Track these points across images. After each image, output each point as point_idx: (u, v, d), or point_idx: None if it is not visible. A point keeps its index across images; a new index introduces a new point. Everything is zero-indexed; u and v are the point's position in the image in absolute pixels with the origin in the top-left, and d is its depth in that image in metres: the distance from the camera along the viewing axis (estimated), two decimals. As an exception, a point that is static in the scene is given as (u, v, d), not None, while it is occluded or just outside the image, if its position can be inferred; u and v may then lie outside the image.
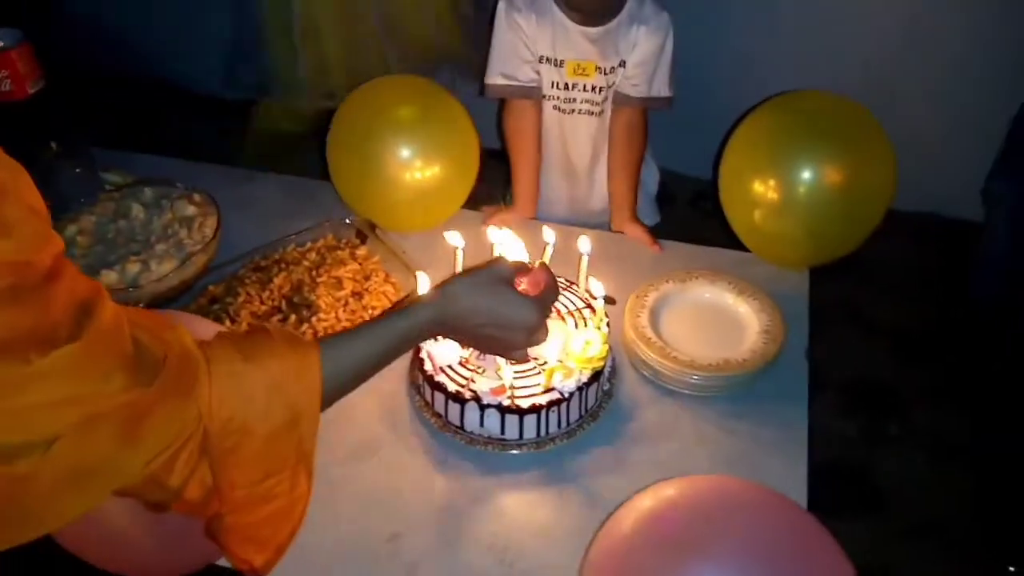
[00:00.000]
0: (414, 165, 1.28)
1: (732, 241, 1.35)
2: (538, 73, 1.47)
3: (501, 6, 1.44)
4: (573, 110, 1.50)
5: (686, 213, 2.53)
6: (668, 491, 0.83)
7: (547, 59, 1.45)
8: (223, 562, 0.85)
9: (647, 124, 1.51)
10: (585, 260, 1.16)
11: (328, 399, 0.74)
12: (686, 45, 1.85)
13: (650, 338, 1.13)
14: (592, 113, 1.50)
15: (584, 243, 1.16)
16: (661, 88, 1.47)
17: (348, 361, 0.77)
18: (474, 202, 1.43)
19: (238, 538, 0.72)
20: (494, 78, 1.46)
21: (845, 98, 1.23)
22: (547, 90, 1.49)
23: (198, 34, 2.77)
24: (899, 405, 2.01)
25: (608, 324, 1.09)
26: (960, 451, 1.91)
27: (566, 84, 1.47)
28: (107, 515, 0.80)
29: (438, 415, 1.04)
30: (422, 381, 1.05)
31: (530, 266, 1.06)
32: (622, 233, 1.46)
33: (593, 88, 1.46)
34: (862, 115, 1.22)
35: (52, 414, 0.54)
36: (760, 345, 1.12)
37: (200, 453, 0.64)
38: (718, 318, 1.20)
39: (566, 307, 1.12)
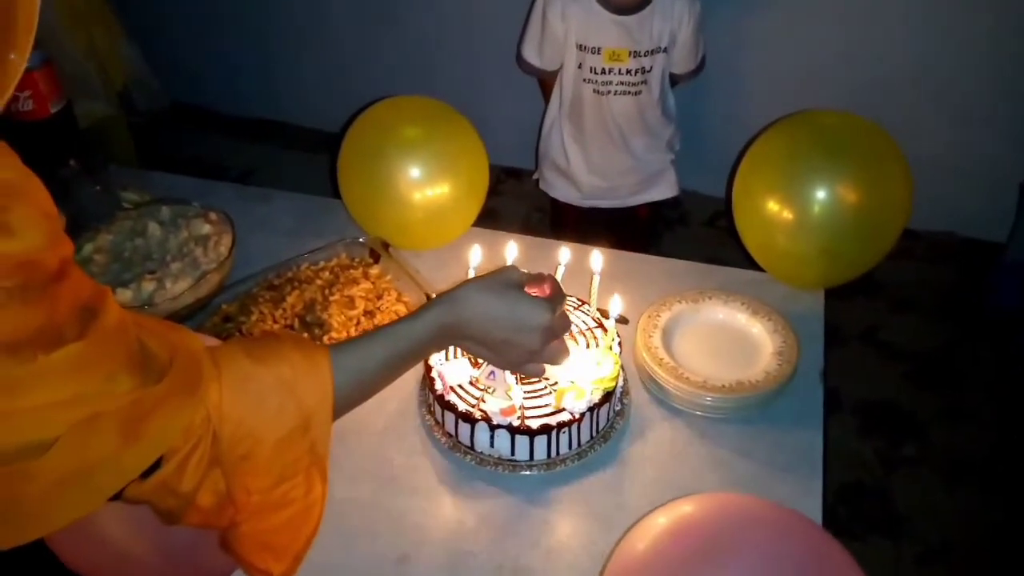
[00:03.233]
0: (424, 184, 1.28)
1: (749, 261, 1.34)
2: (565, 58, 1.70)
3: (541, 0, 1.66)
4: (610, 91, 1.68)
5: (702, 232, 2.53)
6: (685, 508, 0.82)
7: (584, 47, 1.64)
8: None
9: None
10: (596, 279, 1.16)
11: (340, 405, 0.73)
12: (707, 65, 1.89)
13: (662, 358, 1.12)
14: (628, 93, 1.68)
15: (596, 261, 1.15)
16: (700, 55, 1.75)
17: (359, 365, 0.76)
18: (486, 218, 1.43)
19: (255, 546, 0.71)
20: (525, 56, 1.76)
21: (859, 116, 1.23)
22: (585, 74, 1.68)
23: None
24: (916, 427, 1.99)
25: (620, 344, 1.08)
26: (977, 473, 1.89)
27: (603, 69, 1.65)
28: (112, 532, 0.80)
29: (448, 435, 1.04)
30: (432, 400, 1.04)
31: (540, 276, 1.06)
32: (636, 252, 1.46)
33: (628, 71, 1.65)
34: (877, 133, 1.21)
35: (56, 413, 0.54)
36: (774, 367, 1.11)
37: (211, 457, 0.64)
38: (731, 338, 1.19)
39: (577, 327, 1.12)
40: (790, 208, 1.19)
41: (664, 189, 1.90)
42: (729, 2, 2.12)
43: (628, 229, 1.99)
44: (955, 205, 2.34)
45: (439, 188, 1.29)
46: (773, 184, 1.21)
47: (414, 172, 1.27)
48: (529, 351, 0.86)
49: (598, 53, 1.63)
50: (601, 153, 1.79)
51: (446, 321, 0.83)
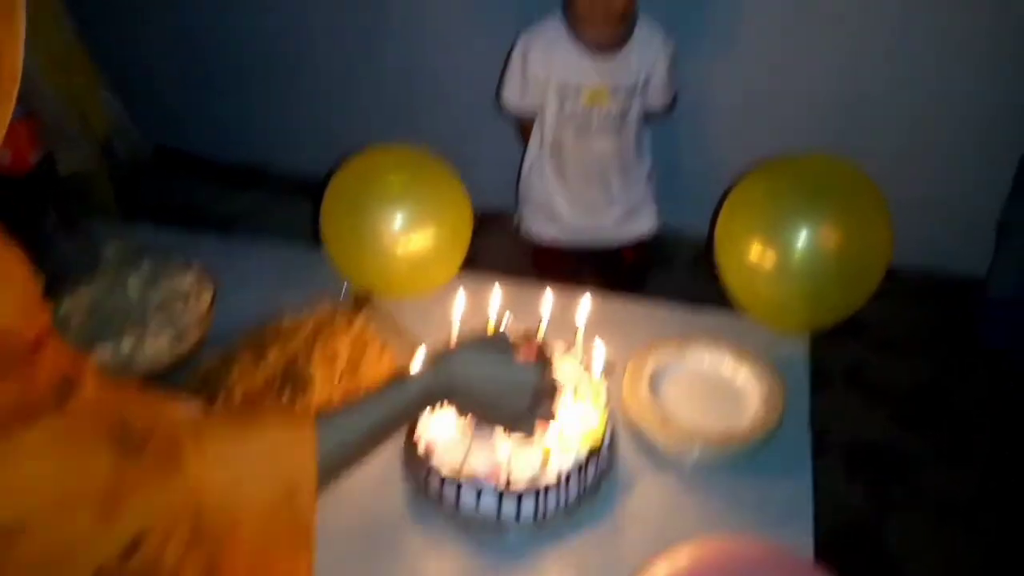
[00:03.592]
0: (407, 233, 1.28)
1: (734, 303, 1.34)
2: (545, 99, 1.72)
3: (522, 43, 1.70)
4: (591, 130, 1.72)
5: (686, 272, 2.53)
6: (685, 555, 0.82)
7: (565, 87, 1.68)
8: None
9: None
10: (581, 330, 1.16)
11: (326, 473, 0.71)
12: (685, 105, 1.91)
13: (650, 409, 1.11)
14: (608, 132, 1.72)
15: (581, 308, 1.15)
16: (673, 91, 1.79)
17: (345, 432, 0.74)
18: (471, 264, 1.42)
19: None
20: (506, 98, 1.78)
21: (838, 159, 1.24)
22: (567, 115, 1.71)
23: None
24: (905, 468, 1.98)
25: (606, 394, 1.07)
26: (967, 514, 1.88)
27: (584, 108, 1.69)
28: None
29: (433, 495, 1.02)
30: (416, 460, 1.03)
31: (529, 337, 1.06)
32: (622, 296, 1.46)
33: (607, 110, 1.69)
34: (856, 177, 1.22)
35: (31, 492, 0.52)
36: (761, 415, 1.11)
37: (193, 533, 0.62)
38: (718, 386, 1.18)
39: (563, 376, 1.11)
40: (772, 253, 1.20)
41: (645, 223, 1.92)
42: (709, 43, 2.15)
43: (613, 273, 1.99)
44: (936, 243, 2.36)
45: (423, 237, 1.29)
46: (754, 229, 1.22)
47: (397, 222, 1.27)
48: (518, 412, 0.86)
49: (579, 93, 1.68)
50: (582, 190, 1.82)
51: (436, 385, 0.82)
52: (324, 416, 0.73)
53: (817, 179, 1.23)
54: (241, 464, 0.65)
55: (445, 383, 0.82)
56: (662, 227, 2.54)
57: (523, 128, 1.86)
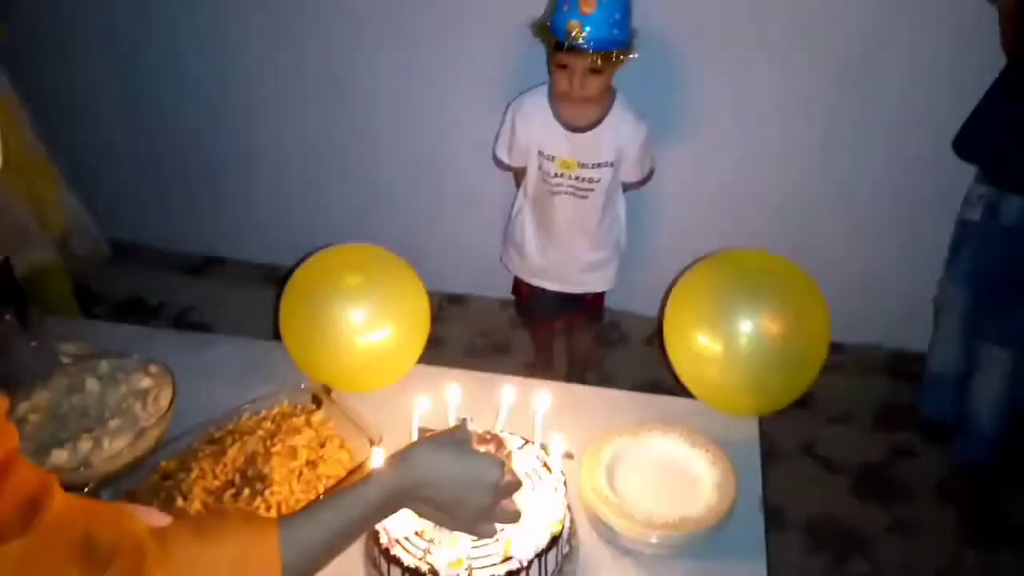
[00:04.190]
0: (365, 330, 1.31)
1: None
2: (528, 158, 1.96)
3: (512, 109, 1.96)
4: (560, 193, 1.94)
5: (640, 353, 2.58)
6: None
7: (542, 153, 1.92)
8: None
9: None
10: (539, 418, 1.19)
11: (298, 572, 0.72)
12: (644, 193, 2.03)
13: (607, 497, 1.14)
14: (575, 196, 1.93)
15: (541, 401, 1.18)
16: (646, 169, 2.00)
17: (309, 536, 0.75)
18: (430, 345, 1.45)
19: None
20: (498, 154, 2.04)
21: (773, 255, 1.31)
22: (543, 176, 1.95)
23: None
24: (862, 541, 2.01)
25: (565, 483, 1.09)
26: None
27: (556, 173, 1.92)
28: None
29: (396, 589, 1.02)
30: (377, 554, 1.03)
31: (488, 435, 1.08)
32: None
33: (577, 178, 1.91)
34: (791, 270, 1.29)
35: None
36: (715, 501, 1.14)
37: None
38: (673, 472, 1.21)
39: (522, 467, 1.13)
40: (718, 343, 1.25)
41: (601, 282, 2.13)
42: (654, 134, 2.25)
43: (572, 308, 2.20)
44: (879, 319, 2.46)
45: (381, 333, 1.32)
46: (699, 321, 1.28)
47: (356, 318, 1.30)
48: (481, 509, 0.87)
49: (552, 160, 1.91)
50: (549, 243, 2.05)
51: (397, 484, 0.82)
52: (288, 521, 0.75)
53: (754, 275, 1.30)
54: (207, 573, 0.66)
55: (406, 483, 0.83)
56: (618, 309, 2.62)
57: (516, 177, 2.11)
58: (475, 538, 0.97)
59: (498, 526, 0.93)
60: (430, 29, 2.32)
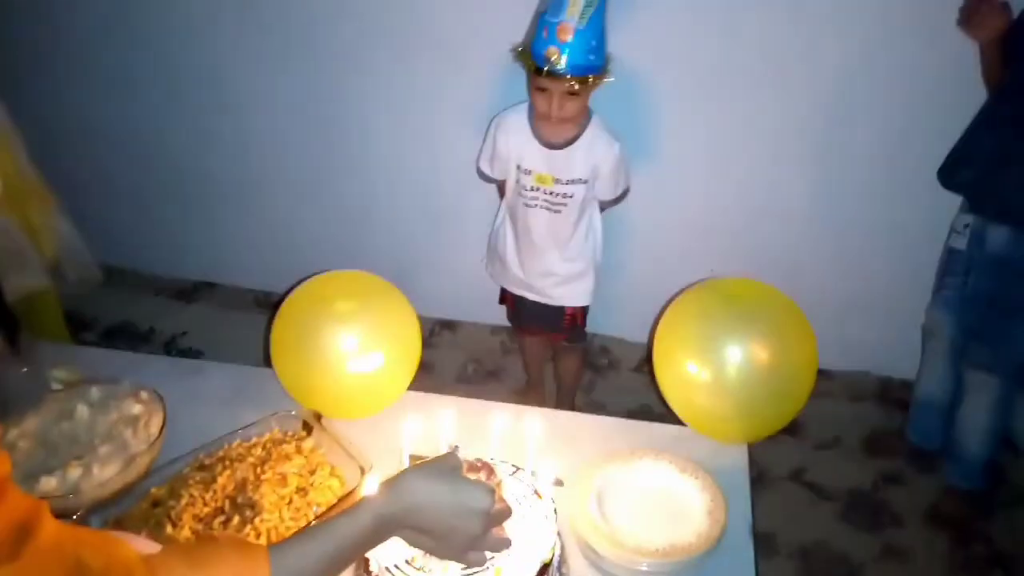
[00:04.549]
0: (356, 356, 1.31)
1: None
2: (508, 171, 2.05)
3: (494, 124, 2.05)
4: (535, 206, 2.02)
5: (631, 378, 2.59)
6: None
7: (520, 167, 2.01)
8: None
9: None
10: (530, 445, 1.19)
11: None
12: (633, 220, 2.03)
13: (597, 524, 1.14)
14: (549, 210, 2.02)
15: (532, 428, 1.19)
16: (620, 187, 2.06)
17: (299, 564, 0.75)
18: (422, 371, 1.45)
19: None
20: (481, 167, 2.13)
21: (760, 283, 1.33)
22: (520, 189, 2.02)
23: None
24: (853, 568, 2.01)
25: (555, 510, 1.10)
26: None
27: (532, 187, 2.00)
28: None
29: (386, 618, 1.02)
30: (369, 582, 1.03)
31: (479, 463, 1.09)
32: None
33: (551, 192, 1.99)
34: (777, 298, 1.31)
35: None
36: (705, 527, 1.14)
37: None
38: (662, 499, 1.22)
39: (513, 495, 1.13)
40: (706, 371, 1.27)
41: (578, 296, 2.17)
42: (643, 161, 2.28)
43: (555, 323, 2.22)
44: (867, 347, 2.48)
45: (372, 359, 1.32)
46: (688, 349, 1.29)
47: (347, 345, 1.31)
48: (471, 537, 0.86)
49: (529, 175, 2.00)
50: (526, 254, 2.13)
51: (388, 512, 0.82)
52: (278, 549, 0.75)
53: (742, 302, 1.32)
54: None
55: (396, 510, 0.83)
56: (607, 335, 2.63)
57: (500, 190, 2.19)
58: (465, 567, 0.98)
59: (488, 554, 0.93)
60: (422, 57, 2.36)
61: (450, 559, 0.92)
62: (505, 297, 2.31)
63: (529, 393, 2.50)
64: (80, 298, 2.50)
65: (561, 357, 2.40)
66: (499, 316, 2.72)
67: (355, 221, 2.73)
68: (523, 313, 2.26)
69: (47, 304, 2.07)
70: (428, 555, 1.01)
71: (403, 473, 0.87)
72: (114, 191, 2.89)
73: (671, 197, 2.39)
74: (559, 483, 1.19)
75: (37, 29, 2.60)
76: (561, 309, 2.19)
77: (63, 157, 2.52)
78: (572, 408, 2.38)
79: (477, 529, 0.86)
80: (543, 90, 1.84)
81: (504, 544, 0.93)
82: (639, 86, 2.20)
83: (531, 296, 2.19)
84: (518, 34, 2.04)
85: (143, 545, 0.83)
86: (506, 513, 0.92)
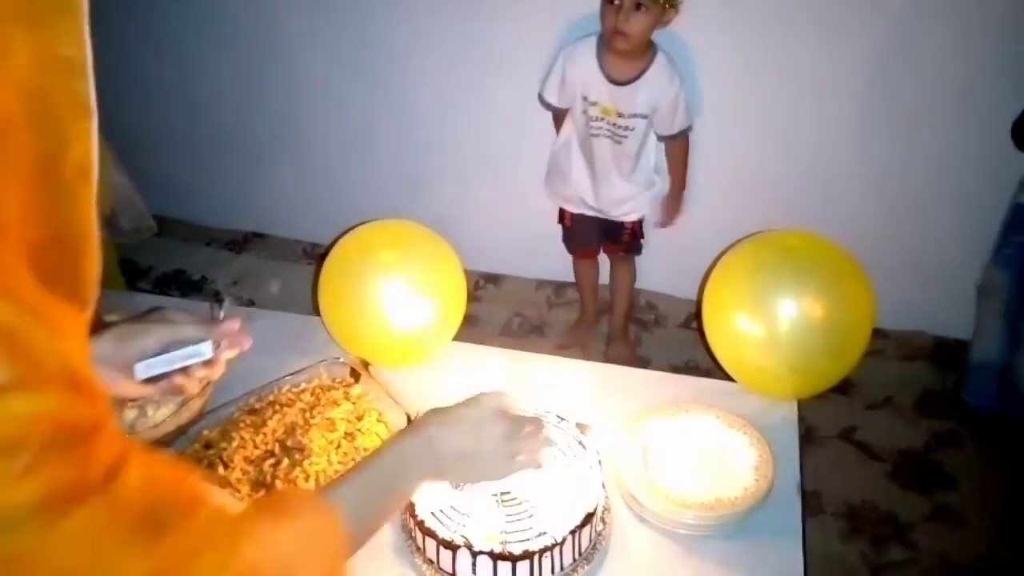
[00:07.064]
0: (402, 307, 1.31)
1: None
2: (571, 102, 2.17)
3: (563, 54, 2.12)
4: (598, 135, 2.14)
5: (679, 334, 2.57)
6: None
7: (586, 98, 2.10)
8: None
9: (682, 149, 2.22)
10: (574, 397, 1.19)
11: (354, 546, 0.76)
12: None
13: (642, 476, 1.13)
14: (611, 139, 2.14)
15: (577, 380, 1.18)
16: (682, 123, 2.13)
17: (354, 494, 0.79)
18: (467, 325, 1.46)
19: None
20: (545, 96, 2.20)
21: (818, 236, 1.29)
22: (584, 117, 2.13)
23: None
24: (900, 528, 1.99)
25: (600, 461, 1.09)
26: (966, 574, 1.88)
27: (596, 116, 2.12)
28: None
29: (430, 561, 1.03)
30: (413, 526, 1.05)
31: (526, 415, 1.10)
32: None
33: (614, 124, 2.11)
34: (836, 252, 1.26)
35: None
36: (752, 482, 1.13)
37: None
38: (709, 453, 1.20)
39: (557, 444, 1.13)
40: (758, 325, 1.24)
41: (634, 213, 2.30)
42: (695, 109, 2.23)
43: (615, 235, 2.36)
44: (923, 306, 2.41)
45: (418, 310, 1.32)
46: (740, 302, 1.26)
47: (393, 295, 1.31)
48: (503, 439, 0.91)
49: (595, 105, 2.10)
50: (589, 175, 2.25)
51: (412, 441, 0.87)
52: (333, 492, 0.78)
53: (798, 255, 1.28)
54: (288, 551, 0.66)
55: (419, 439, 0.87)
56: (654, 291, 2.60)
57: (556, 119, 2.28)
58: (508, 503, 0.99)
59: (530, 495, 0.95)
60: (468, 6, 2.32)
61: (502, 474, 0.96)
62: (563, 215, 2.40)
63: (580, 326, 2.57)
64: (134, 247, 2.55)
65: (616, 270, 2.46)
66: (544, 270, 2.70)
67: (401, 173, 2.72)
68: (580, 231, 2.38)
69: (103, 252, 2.11)
70: (473, 486, 1.03)
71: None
72: (167, 144, 2.93)
73: (722, 149, 2.33)
74: (583, 428, 1.17)
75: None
76: (621, 224, 2.32)
77: (118, 111, 2.55)
78: (628, 326, 2.52)
79: (501, 428, 0.91)
80: (612, 3, 1.93)
81: (545, 442, 0.97)
82: (695, 41, 2.15)
83: (591, 213, 2.31)
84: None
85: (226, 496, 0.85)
86: (534, 419, 0.97)
